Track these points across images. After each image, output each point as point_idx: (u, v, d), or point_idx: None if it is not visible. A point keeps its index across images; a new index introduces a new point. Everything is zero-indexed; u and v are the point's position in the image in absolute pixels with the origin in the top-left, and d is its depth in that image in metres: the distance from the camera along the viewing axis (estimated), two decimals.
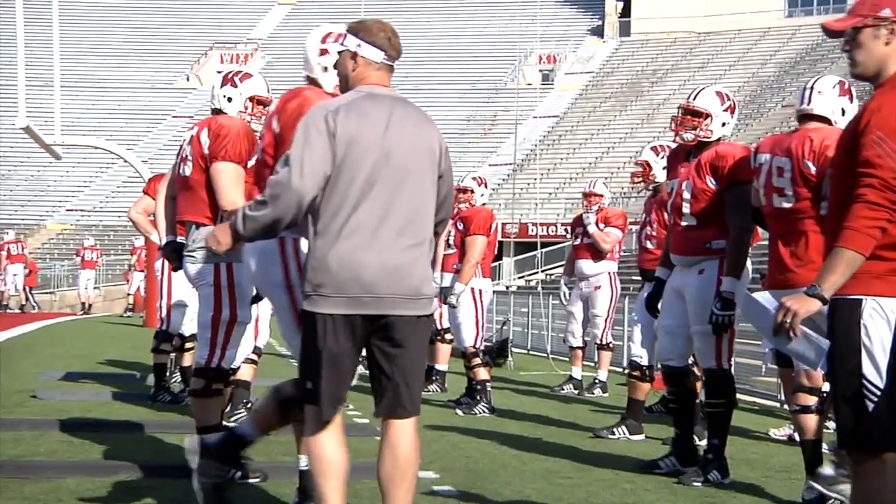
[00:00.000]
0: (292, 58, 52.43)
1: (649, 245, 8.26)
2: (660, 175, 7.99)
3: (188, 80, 63.34)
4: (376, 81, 4.07)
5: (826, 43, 58.68)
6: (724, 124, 6.09)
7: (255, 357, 7.84)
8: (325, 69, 4.77)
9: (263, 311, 7.48)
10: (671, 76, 59.26)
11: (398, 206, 3.91)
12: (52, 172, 52.60)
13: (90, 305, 30.65)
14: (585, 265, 10.76)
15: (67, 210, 52.61)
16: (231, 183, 5.52)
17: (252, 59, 62.80)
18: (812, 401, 5.39)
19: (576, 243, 10.99)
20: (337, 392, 3.94)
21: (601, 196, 10.71)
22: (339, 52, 4.17)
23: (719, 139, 6.10)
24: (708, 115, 6.06)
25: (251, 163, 5.43)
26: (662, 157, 7.86)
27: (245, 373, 7.81)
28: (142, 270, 28.69)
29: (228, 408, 7.62)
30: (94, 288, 31.85)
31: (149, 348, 9.18)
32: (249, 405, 7.81)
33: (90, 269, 30.32)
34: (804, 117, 5.48)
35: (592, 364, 11.63)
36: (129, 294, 29.72)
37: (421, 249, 3.97)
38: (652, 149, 8.16)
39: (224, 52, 61.35)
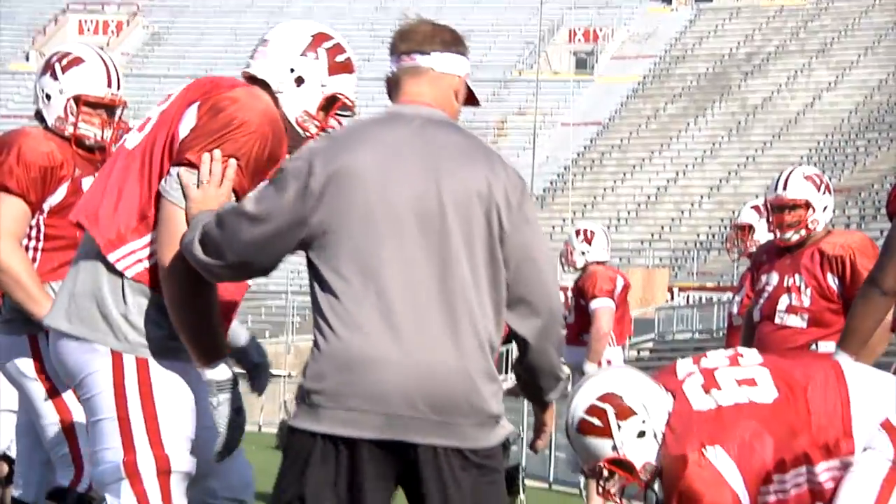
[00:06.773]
0: (194, 28, 43.93)
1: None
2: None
3: (28, 59, 46.76)
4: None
5: None
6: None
7: None
8: (301, 81, 3.26)
9: None
10: (776, 63, 45.77)
11: None
12: None
13: None
14: None
15: None
16: None
17: (128, 28, 47.08)
18: None
19: None
20: None
21: None
22: None
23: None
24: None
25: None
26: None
27: None
28: None
29: None
30: None
31: None
32: None
33: None
34: None
35: None
36: None
37: None
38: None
39: (84, 16, 46.20)
